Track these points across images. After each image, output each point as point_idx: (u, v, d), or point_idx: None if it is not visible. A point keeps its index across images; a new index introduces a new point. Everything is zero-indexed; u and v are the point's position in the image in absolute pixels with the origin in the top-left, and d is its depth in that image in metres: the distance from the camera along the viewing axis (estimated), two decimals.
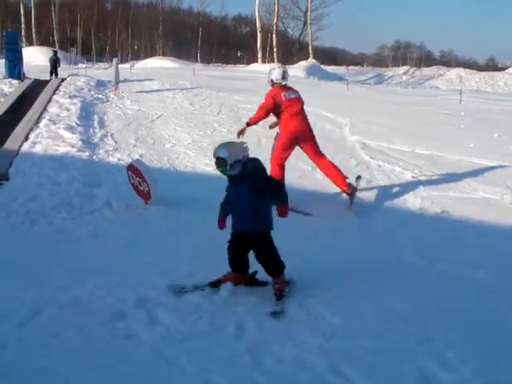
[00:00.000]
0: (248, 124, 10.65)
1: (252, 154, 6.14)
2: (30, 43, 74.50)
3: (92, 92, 25.42)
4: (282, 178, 10.19)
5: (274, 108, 10.29)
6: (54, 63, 34.70)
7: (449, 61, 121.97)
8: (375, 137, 17.15)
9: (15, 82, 27.62)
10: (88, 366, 4.93)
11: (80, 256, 7.78)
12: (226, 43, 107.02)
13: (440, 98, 35.13)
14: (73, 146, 14.30)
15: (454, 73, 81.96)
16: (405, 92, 41.45)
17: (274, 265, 6.36)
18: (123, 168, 11.23)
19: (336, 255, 7.89)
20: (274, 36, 74.32)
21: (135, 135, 16.60)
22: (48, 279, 6.84)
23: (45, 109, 20.02)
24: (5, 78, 28.84)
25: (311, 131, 10.54)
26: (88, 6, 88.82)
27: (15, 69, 29.75)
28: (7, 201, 10.09)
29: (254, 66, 62.99)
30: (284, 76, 10.54)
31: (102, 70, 46.16)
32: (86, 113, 19.74)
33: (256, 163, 6.10)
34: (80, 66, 41.11)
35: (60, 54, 38.53)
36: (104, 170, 12.50)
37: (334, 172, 10.46)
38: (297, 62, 67.88)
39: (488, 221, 9.72)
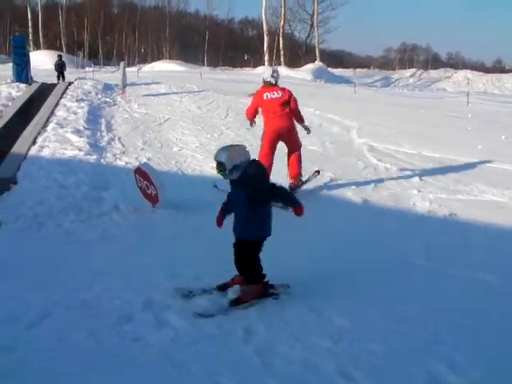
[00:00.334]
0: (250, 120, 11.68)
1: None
2: (37, 47, 74.77)
3: (99, 95, 25.45)
4: (270, 169, 10.55)
5: (254, 110, 11.36)
6: (60, 67, 34.77)
7: (456, 63, 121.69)
8: (383, 139, 17.12)
9: (23, 85, 27.65)
10: (96, 368, 4.94)
11: (88, 259, 7.80)
12: (232, 46, 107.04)
13: (447, 100, 35.07)
14: (80, 150, 14.33)
15: (461, 75, 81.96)
16: (412, 94, 41.38)
17: (248, 273, 6.38)
18: (131, 171, 11.24)
19: (344, 258, 7.88)
20: (280, 39, 74.27)
21: (143, 138, 16.62)
22: (56, 282, 6.86)
23: (52, 112, 20.08)
24: (12, 81, 28.88)
25: (291, 129, 11.18)
26: (95, 9, 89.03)
27: (23, 73, 29.80)
28: (15, 204, 10.12)
29: (260, 69, 62.93)
30: (272, 75, 11.28)
31: (109, 74, 46.18)
32: (94, 116, 19.78)
33: (254, 170, 6.04)
34: (87, 69, 41.16)
35: (67, 58, 38.71)
36: (112, 174, 12.52)
37: (294, 166, 11.28)
38: (303, 65, 67.91)
39: (496, 223, 9.68)
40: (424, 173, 13.10)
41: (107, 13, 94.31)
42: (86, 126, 17.72)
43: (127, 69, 31.80)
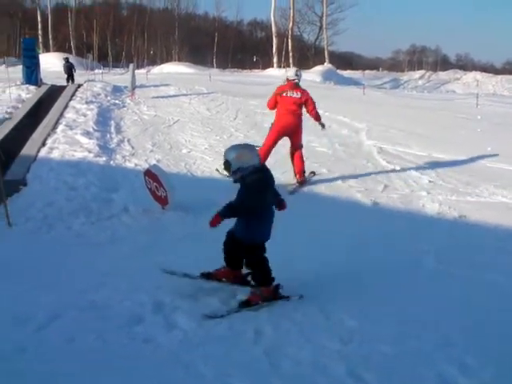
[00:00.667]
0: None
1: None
2: (46, 49, 74.91)
3: (108, 97, 25.51)
4: (265, 159, 11.37)
5: (273, 104, 12.13)
6: (69, 69, 34.90)
7: (465, 64, 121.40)
8: (392, 141, 17.11)
9: (32, 87, 27.81)
10: (106, 369, 4.96)
11: (98, 260, 7.82)
12: (241, 48, 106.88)
13: (456, 101, 34.96)
14: (90, 152, 14.35)
15: (471, 76, 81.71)
16: (421, 96, 41.24)
17: (258, 276, 6.41)
18: (140, 173, 11.26)
19: (354, 260, 7.89)
20: (289, 41, 74.30)
21: (152, 140, 16.63)
22: (66, 283, 6.89)
23: (62, 114, 20.15)
24: (22, 83, 29.01)
25: (298, 127, 12.13)
26: (104, 12, 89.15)
27: (32, 75, 29.94)
28: (25, 206, 10.14)
29: (269, 71, 62.95)
30: (296, 73, 12.25)
31: (119, 76, 46.26)
32: (103, 118, 19.82)
33: (255, 180, 6.00)
34: (96, 71, 41.31)
35: (76, 60, 38.80)
36: (121, 175, 12.54)
37: (299, 164, 12.25)
38: (312, 67, 67.80)
39: (506, 225, 9.66)
40: (433, 174, 13.09)
41: (116, 15, 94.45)
42: (95, 127, 17.76)
43: (136, 71, 31.81)
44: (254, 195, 6.00)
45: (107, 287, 6.70)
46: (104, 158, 13.90)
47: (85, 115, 19.97)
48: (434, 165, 14.17)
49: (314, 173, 13.07)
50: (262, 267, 6.36)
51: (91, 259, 7.90)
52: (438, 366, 5.10)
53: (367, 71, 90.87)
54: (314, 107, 12.18)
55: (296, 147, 12.28)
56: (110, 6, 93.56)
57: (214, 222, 6.08)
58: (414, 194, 11.58)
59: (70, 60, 36.92)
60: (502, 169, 13.96)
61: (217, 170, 10.85)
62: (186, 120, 20.49)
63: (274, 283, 6.43)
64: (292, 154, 12.35)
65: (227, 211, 6.11)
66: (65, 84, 32.12)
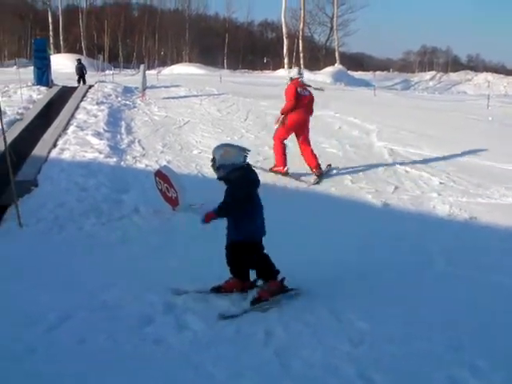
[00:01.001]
0: (282, 113, 12.79)
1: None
2: (57, 50, 75.13)
3: (119, 98, 25.53)
4: (284, 152, 12.83)
5: (296, 102, 12.50)
6: (81, 71, 35.03)
7: (476, 65, 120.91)
8: (403, 142, 17.06)
9: (43, 88, 27.88)
10: (116, 370, 4.98)
11: (109, 261, 7.87)
12: (252, 49, 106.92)
13: (467, 103, 34.85)
14: (100, 152, 14.37)
15: (482, 77, 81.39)
16: (432, 97, 41.14)
17: (263, 272, 6.47)
18: (151, 174, 11.23)
19: (363, 260, 7.90)
20: (300, 42, 74.14)
21: (162, 141, 16.63)
22: (77, 284, 6.91)
23: (73, 115, 20.17)
24: (33, 84, 29.11)
25: (309, 122, 12.92)
26: (115, 13, 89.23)
27: (43, 76, 30.03)
28: (36, 207, 10.18)
29: (280, 72, 62.86)
30: (300, 72, 13.44)
31: (129, 77, 46.37)
32: (114, 119, 19.83)
33: (243, 175, 6.19)
34: (107, 72, 41.39)
35: (87, 61, 38.85)
36: (132, 176, 12.54)
37: (312, 160, 12.76)
38: (323, 68, 67.66)
39: None
40: (444, 176, 13.06)
41: (127, 16, 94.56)
42: (106, 128, 17.77)
43: (147, 72, 31.84)
44: (239, 190, 6.18)
45: (118, 288, 6.72)
46: (115, 159, 13.92)
47: (96, 116, 20.00)
48: (445, 166, 14.13)
49: (330, 165, 13.53)
50: (265, 263, 6.43)
51: (102, 260, 7.93)
52: (448, 368, 5.08)
53: (378, 72, 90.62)
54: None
55: (308, 142, 12.92)
56: (121, 7, 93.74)
57: (208, 219, 6.35)
58: (425, 196, 11.57)
59: (83, 62, 37.00)
60: None
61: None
62: (196, 121, 20.47)
63: (280, 277, 6.49)
64: (302, 151, 12.92)
65: (220, 208, 6.29)
66: (76, 85, 32.20)
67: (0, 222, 9.63)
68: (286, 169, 12.74)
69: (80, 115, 20.16)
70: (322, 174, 12.78)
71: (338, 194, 11.77)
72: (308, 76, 52.50)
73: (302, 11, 74.82)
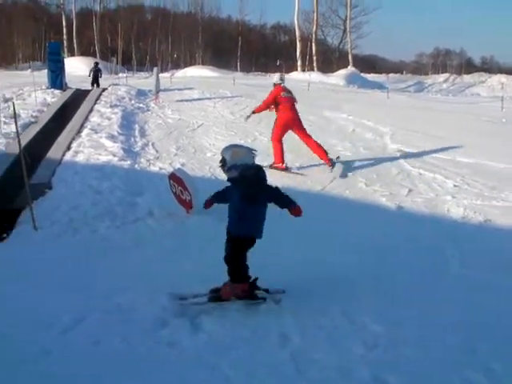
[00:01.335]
0: (254, 112, 15.28)
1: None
2: (71, 54, 75.43)
3: (133, 101, 25.60)
4: (282, 150, 13.87)
5: (272, 103, 14.30)
6: (96, 74, 35.16)
7: (490, 67, 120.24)
8: (416, 145, 17.00)
9: (57, 91, 28.01)
10: (131, 372, 5.00)
11: (123, 264, 7.88)
12: (265, 52, 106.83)
13: (481, 105, 34.67)
14: (114, 155, 14.42)
15: (496, 79, 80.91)
16: (445, 100, 41.00)
17: (231, 270, 6.38)
18: (165, 177, 11.30)
19: (378, 263, 7.90)
20: (313, 44, 74.07)
21: (176, 144, 16.67)
22: (92, 287, 6.93)
23: (86, 118, 20.28)
24: (47, 88, 29.24)
25: (299, 119, 14.12)
26: (128, 16, 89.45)
27: (57, 79, 30.13)
28: (51, 209, 10.22)
29: (293, 75, 62.82)
30: (281, 78, 14.83)
31: (143, 80, 46.41)
32: (127, 122, 19.89)
33: (255, 174, 6.19)
34: (121, 75, 41.47)
35: (101, 65, 38.93)
36: (146, 179, 12.58)
37: (319, 150, 14.01)
38: (336, 71, 67.52)
39: None
40: (458, 179, 13.01)
41: (140, 19, 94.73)
42: (119, 131, 17.84)
43: (160, 74, 31.88)
44: (259, 181, 6.23)
45: (132, 290, 6.73)
46: (128, 162, 13.96)
47: (109, 119, 20.08)
48: (459, 169, 14.07)
49: (338, 157, 14.61)
50: (238, 263, 6.37)
51: (116, 263, 7.95)
52: (463, 370, 5.07)
53: (391, 74, 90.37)
54: None
55: (307, 136, 14.15)
56: (134, 10, 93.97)
57: (300, 210, 6.37)
58: (439, 199, 11.54)
59: (99, 66, 37.12)
60: None
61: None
62: (210, 124, 20.49)
63: (251, 279, 6.42)
64: (308, 144, 14.16)
65: (287, 196, 6.40)
66: (89, 88, 32.31)
67: (15, 225, 9.67)
68: (284, 165, 13.74)
69: (94, 118, 20.28)
70: (332, 160, 13.96)
71: (352, 197, 11.78)
72: (321, 78, 52.71)
73: (315, 14, 74.76)
